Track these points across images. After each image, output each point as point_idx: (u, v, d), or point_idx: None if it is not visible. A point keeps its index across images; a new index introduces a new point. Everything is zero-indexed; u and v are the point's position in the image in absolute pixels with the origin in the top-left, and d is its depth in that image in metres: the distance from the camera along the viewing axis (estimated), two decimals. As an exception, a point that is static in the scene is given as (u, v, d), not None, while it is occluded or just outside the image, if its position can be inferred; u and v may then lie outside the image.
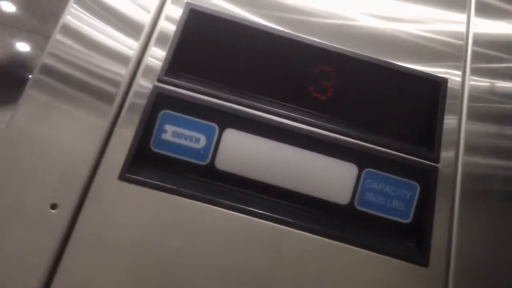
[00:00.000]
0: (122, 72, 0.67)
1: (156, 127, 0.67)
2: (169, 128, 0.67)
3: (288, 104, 0.71)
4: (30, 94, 0.65)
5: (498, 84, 0.75)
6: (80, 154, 0.63)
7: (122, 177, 0.62)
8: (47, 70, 0.66)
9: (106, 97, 0.66)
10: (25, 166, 0.61)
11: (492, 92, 0.74)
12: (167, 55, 0.69)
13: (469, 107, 0.72)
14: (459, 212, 0.66)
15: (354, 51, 0.72)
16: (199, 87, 0.68)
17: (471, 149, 0.70)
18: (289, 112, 0.68)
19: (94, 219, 0.60)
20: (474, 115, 0.72)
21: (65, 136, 0.63)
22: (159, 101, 0.66)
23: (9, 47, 3.91)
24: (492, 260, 0.64)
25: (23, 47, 3.88)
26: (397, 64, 0.73)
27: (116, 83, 0.67)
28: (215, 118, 0.67)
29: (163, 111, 0.67)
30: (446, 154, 0.68)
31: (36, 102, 0.64)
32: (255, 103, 0.68)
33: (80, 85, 0.66)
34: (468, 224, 0.65)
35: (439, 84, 0.72)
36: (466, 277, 0.62)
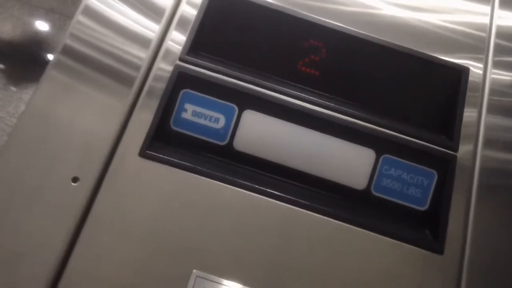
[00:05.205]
0: (143, 55, 0.68)
1: (176, 105, 0.67)
2: (189, 107, 0.67)
3: (308, 88, 0.70)
4: (51, 74, 0.66)
5: None
6: (100, 133, 0.64)
7: (143, 154, 0.63)
8: (68, 51, 0.67)
9: (125, 80, 0.66)
10: (47, 144, 0.63)
11: None
12: (189, 35, 0.69)
13: (489, 100, 0.71)
14: (476, 203, 0.65)
15: (377, 36, 0.72)
16: (220, 68, 0.68)
17: (490, 142, 0.69)
18: (310, 96, 0.68)
19: (113, 193, 0.61)
20: (494, 109, 0.71)
21: (84, 117, 0.64)
22: (181, 80, 0.67)
23: (28, 25, 3.94)
24: (506, 251, 0.63)
25: (41, 25, 3.90)
26: (420, 52, 0.72)
27: (136, 67, 0.67)
28: (234, 99, 0.68)
29: (184, 90, 0.67)
30: (464, 147, 0.68)
31: (56, 82, 0.65)
32: (275, 85, 0.68)
33: (101, 67, 0.66)
34: (484, 215, 0.65)
35: (460, 72, 0.72)
36: (480, 266, 0.62)
